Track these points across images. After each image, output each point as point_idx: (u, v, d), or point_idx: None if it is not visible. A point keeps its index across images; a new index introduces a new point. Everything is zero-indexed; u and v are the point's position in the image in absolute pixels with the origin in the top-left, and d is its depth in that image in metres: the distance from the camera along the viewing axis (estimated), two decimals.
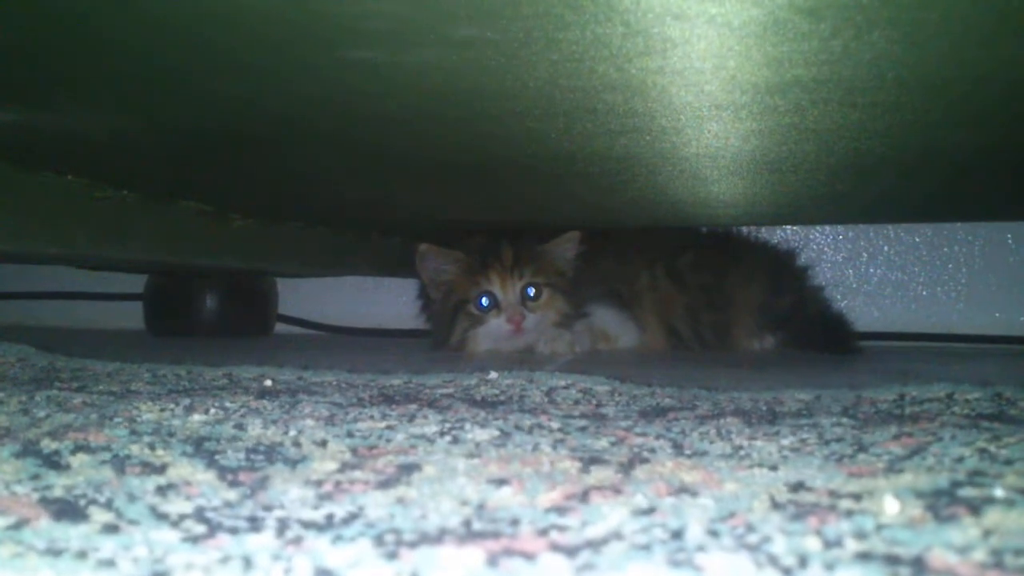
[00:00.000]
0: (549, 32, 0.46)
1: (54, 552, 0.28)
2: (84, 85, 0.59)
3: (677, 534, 0.30)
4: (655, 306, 1.30)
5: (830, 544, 0.28)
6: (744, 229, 1.43)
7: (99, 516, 0.32)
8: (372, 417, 0.52)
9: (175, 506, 0.33)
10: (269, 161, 0.83)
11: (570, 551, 0.28)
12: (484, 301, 1.21)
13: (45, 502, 0.34)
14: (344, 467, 0.40)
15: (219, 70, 0.55)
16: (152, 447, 0.43)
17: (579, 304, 1.25)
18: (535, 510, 0.33)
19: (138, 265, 1.44)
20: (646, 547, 0.28)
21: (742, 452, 0.44)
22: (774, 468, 0.40)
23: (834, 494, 0.35)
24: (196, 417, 0.52)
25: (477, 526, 0.31)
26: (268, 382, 0.71)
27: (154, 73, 0.56)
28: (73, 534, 0.30)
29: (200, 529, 0.31)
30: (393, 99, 0.60)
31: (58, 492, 0.35)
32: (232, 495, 0.35)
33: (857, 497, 0.34)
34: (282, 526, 0.31)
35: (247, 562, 0.27)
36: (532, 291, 1.22)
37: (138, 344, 1.31)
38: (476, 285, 1.21)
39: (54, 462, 0.40)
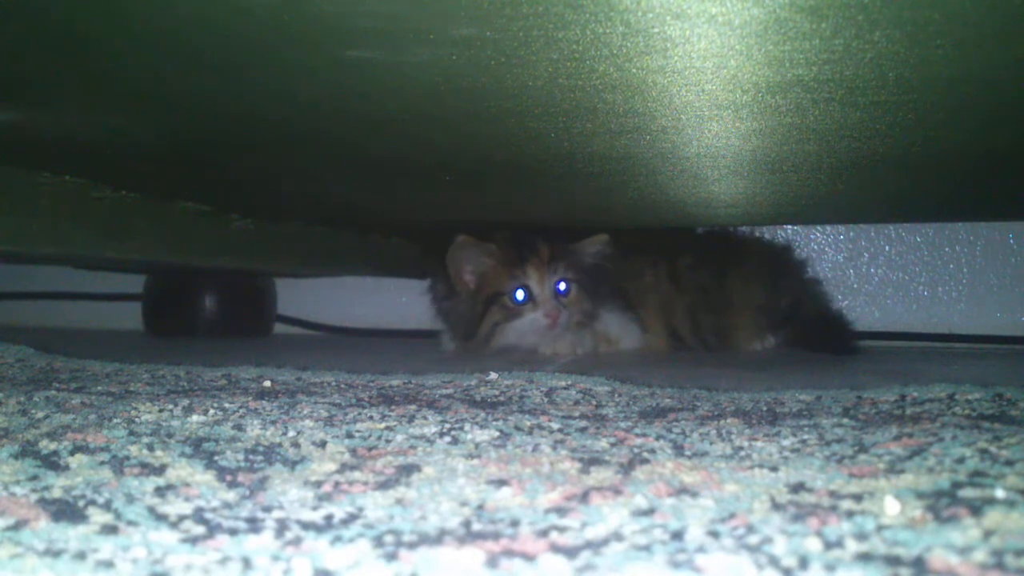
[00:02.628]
0: (549, 31, 0.46)
1: (53, 553, 0.28)
2: (82, 87, 0.59)
3: (677, 535, 0.30)
4: (657, 307, 1.30)
5: (831, 545, 0.28)
6: (744, 228, 1.43)
7: (98, 517, 0.32)
8: (371, 418, 0.52)
9: (174, 507, 0.33)
10: (268, 162, 0.83)
11: (570, 552, 0.28)
12: (520, 295, 1.19)
13: (44, 503, 0.33)
14: (343, 468, 0.40)
15: (215, 73, 0.55)
16: (151, 448, 0.43)
17: (597, 303, 1.25)
18: (535, 511, 0.33)
19: (137, 265, 1.44)
20: (646, 548, 0.28)
21: (742, 453, 0.44)
22: (775, 469, 0.40)
23: (835, 495, 0.35)
24: (195, 418, 0.52)
25: (477, 527, 0.31)
26: (267, 383, 0.71)
27: (151, 76, 0.56)
28: (72, 535, 0.30)
29: (199, 530, 0.30)
30: (391, 99, 0.60)
31: (57, 493, 0.35)
32: (231, 496, 0.35)
33: (858, 498, 0.34)
34: (281, 527, 0.31)
35: (246, 563, 0.27)
36: (563, 287, 1.21)
37: (137, 344, 1.31)
38: (513, 279, 1.19)
39: (53, 463, 0.40)
